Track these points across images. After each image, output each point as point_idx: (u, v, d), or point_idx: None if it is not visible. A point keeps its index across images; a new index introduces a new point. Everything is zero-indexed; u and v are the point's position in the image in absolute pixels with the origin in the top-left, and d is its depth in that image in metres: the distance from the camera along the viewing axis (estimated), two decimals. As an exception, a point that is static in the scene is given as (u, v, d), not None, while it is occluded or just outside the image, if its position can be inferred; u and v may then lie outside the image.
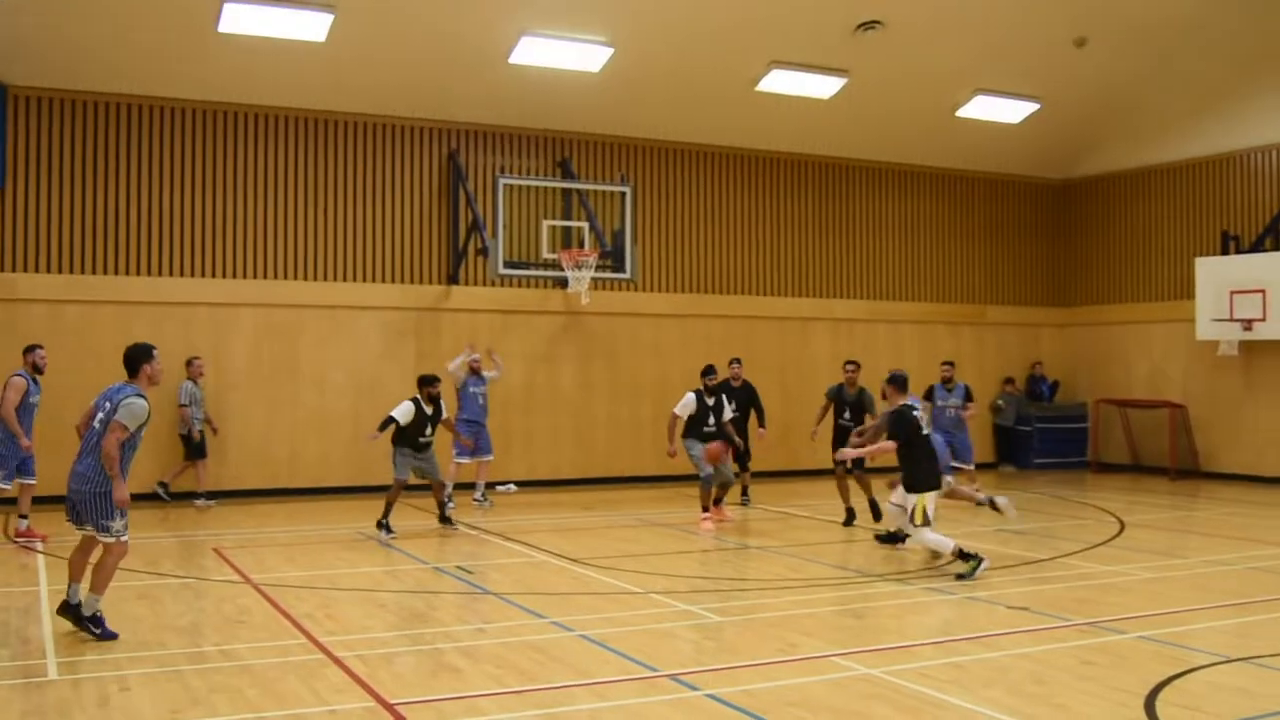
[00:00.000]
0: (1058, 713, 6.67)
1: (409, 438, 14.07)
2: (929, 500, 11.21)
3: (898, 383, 11.83)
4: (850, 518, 14.96)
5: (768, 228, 21.98)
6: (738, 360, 17.45)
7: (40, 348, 13.79)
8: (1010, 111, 21.93)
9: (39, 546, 12.77)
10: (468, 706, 6.77)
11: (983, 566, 10.81)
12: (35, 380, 13.44)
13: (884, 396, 12.18)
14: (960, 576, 10.74)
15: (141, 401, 8.53)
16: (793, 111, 20.53)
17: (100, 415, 8.58)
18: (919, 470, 11.30)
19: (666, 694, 7.06)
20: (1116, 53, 20.18)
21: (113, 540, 8.41)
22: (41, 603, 9.68)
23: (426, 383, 14.34)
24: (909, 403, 11.78)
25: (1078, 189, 24.84)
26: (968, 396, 17.34)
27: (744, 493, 17.47)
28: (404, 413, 14.02)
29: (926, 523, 11.12)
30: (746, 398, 17.08)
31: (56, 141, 17.19)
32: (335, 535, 13.72)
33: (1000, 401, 23.64)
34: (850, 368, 15.78)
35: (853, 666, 7.66)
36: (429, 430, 14.14)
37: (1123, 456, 23.25)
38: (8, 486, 13.19)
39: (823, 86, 19.99)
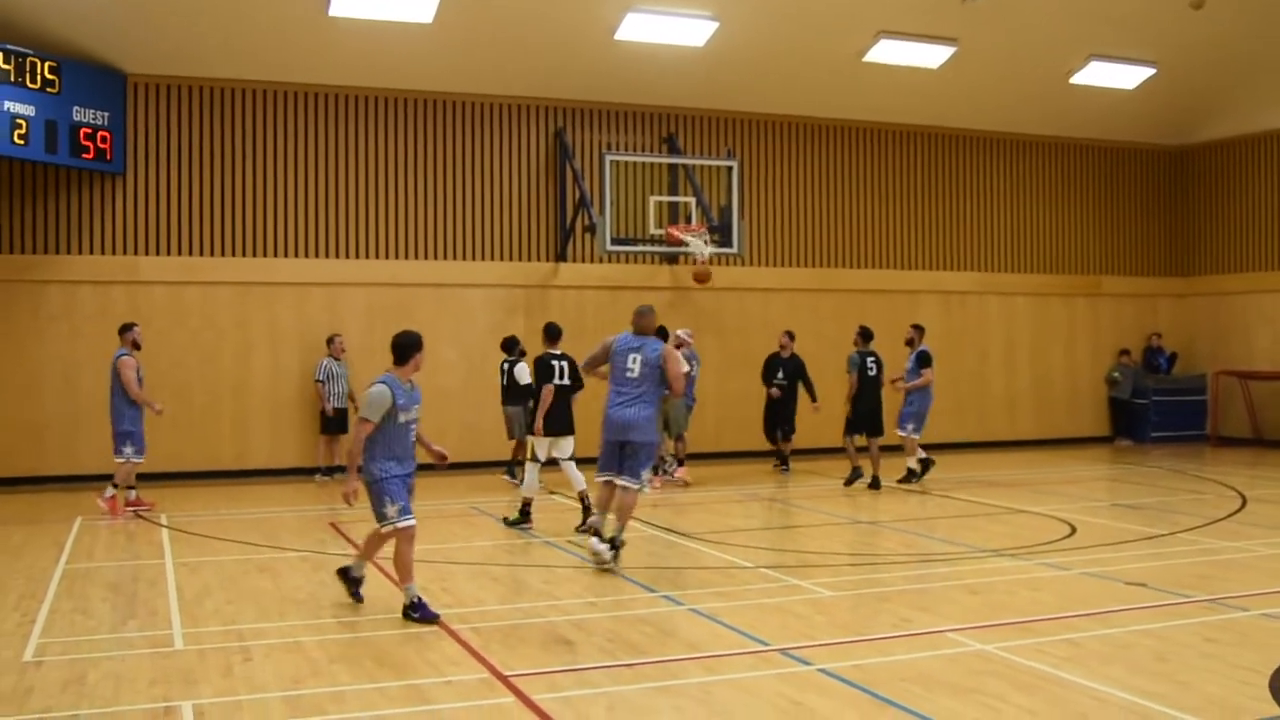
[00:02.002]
0: (1180, 690, 6.55)
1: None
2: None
3: None
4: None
5: (876, 200, 21.76)
6: (789, 333, 18.37)
7: (136, 325, 14.52)
8: (1126, 77, 21.40)
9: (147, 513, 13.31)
10: (579, 679, 6.85)
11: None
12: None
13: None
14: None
15: (379, 388, 8.34)
16: (901, 82, 20.26)
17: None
18: None
19: (778, 668, 7.06)
20: (1235, 13, 19.53)
21: (388, 528, 8.40)
22: (168, 576, 9.97)
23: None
24: None
25: (1195, 155, 24.18)
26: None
27: (784, 462, 18.37)
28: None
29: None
30: (794, 369, 18.13)
31: (174, 127, 17.62)
32: (449, 510, 13.92)
33: (1116, 374, 23.16)
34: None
35: (967, 642, 7.58)
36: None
37: (1244, 430, 22.65)
38: (140, 460, 13.89)
39: (931, 56, 19.70)
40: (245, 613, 8.53)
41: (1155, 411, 23.03)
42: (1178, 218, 24.37)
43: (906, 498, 15.19)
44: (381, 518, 8.35)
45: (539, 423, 12.71)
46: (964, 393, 21.81)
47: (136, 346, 14.22)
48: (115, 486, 13.96)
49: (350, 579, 8.83)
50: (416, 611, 8.22)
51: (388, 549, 8.55)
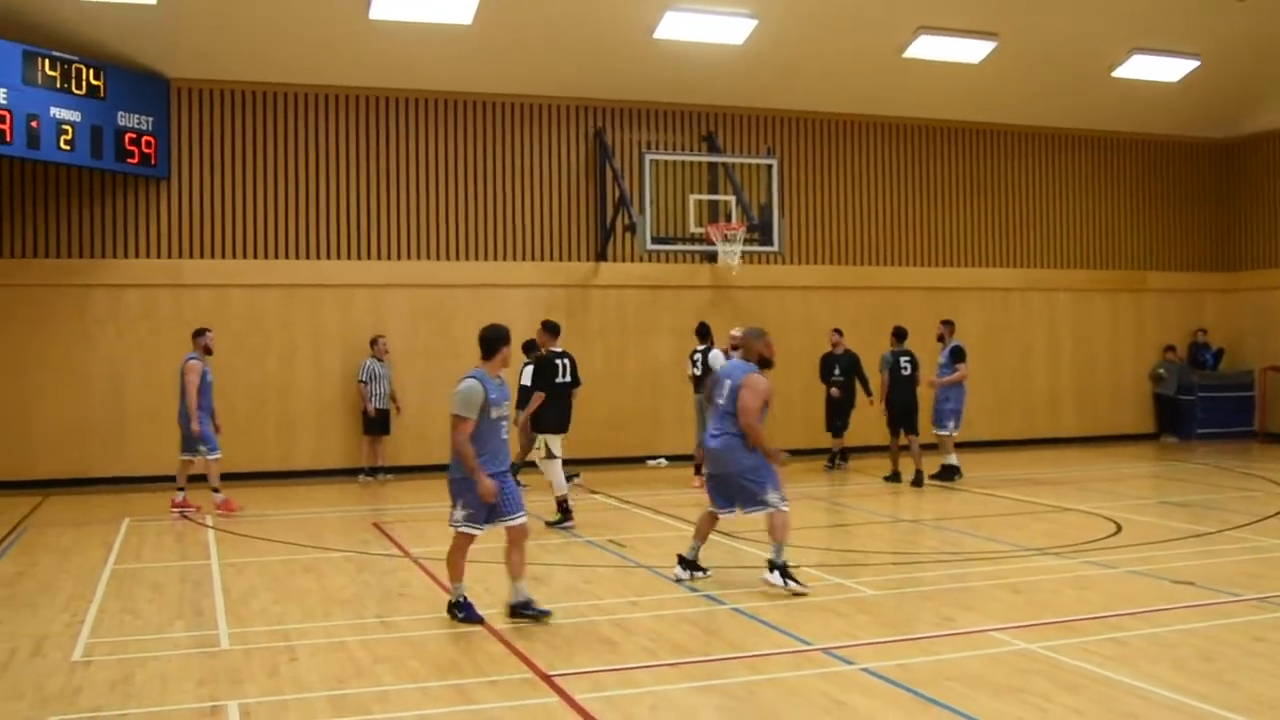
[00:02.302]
0: (1227, 690, 6.48)
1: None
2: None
3: None
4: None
5: (916, 197, 21.67)
6: (838, 330, 18.50)
7: (209, 331, 14.47)
8: (1169, 70, 21.18)
9: (194, 515, 13.41)
10: (622, 678, 6.86)
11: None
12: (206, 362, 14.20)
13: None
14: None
15: (469, 383, 8.21)
16: (941, 78, 20.15)
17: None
18: None
19: (821, 668, 7.05)
20: (1278, 4, 19.31)
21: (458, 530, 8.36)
22: (214, 576, 10.06)
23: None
24: None
25: (1240, 148, 23.91)
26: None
27: (839, 458, 18.49)
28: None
29: None
30: (849, 365, 18.23)
31: (216, 131, 17.79)
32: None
33: (1161, 370, 22.93)
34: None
35: (1011, 641, 7.54)
36: None
37: (1292, 426, 22.44)
38: (214, 457, 14.13)
39: (972, 51, 19.57)
40: (291, 613, 8.61)
41: (1201, 408, 22.78)
42: (1223, 212, 24.11)
43: (949, 496, 15.11)
44: (451, 516, 8.37)
45: (524, 419, 13.11)
46: (1006, 390, 21.68)
47: (208, 352, 14.36)
48: (216, 490, 14.14)
49: (525, 608, 8.34)
50: (461, 611, 8.25)
51: (422, 541, 8.58)
